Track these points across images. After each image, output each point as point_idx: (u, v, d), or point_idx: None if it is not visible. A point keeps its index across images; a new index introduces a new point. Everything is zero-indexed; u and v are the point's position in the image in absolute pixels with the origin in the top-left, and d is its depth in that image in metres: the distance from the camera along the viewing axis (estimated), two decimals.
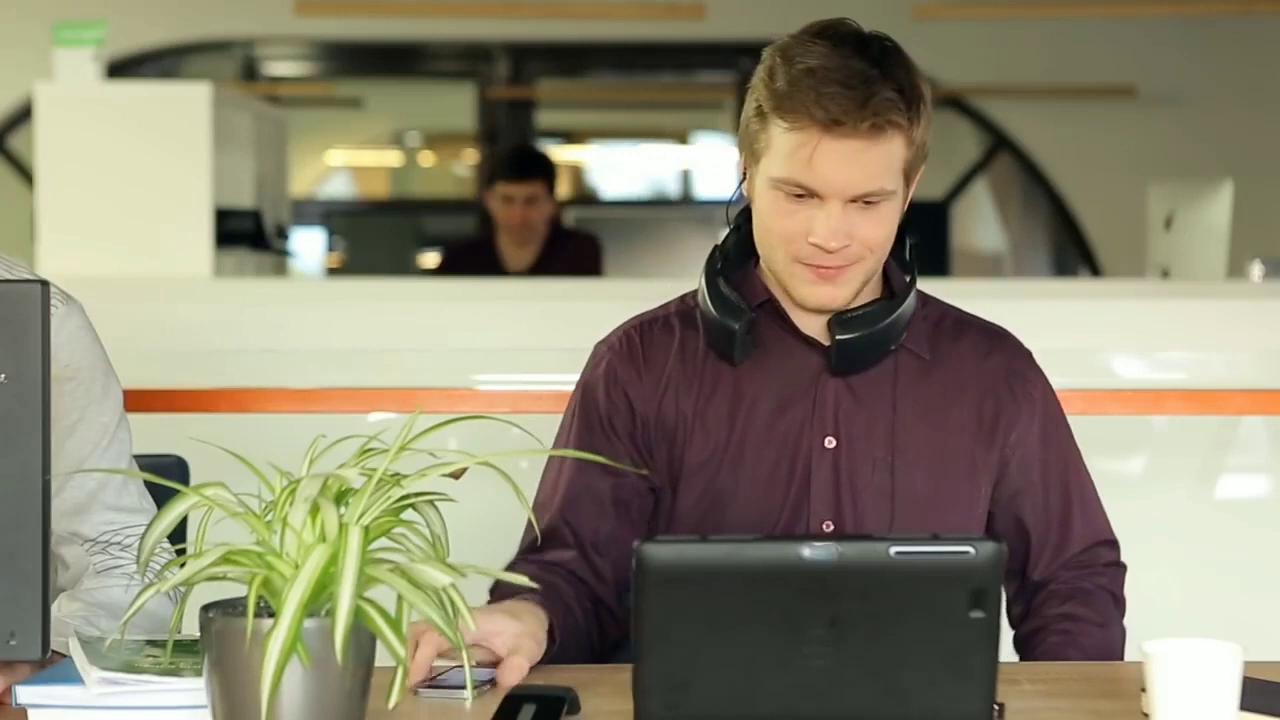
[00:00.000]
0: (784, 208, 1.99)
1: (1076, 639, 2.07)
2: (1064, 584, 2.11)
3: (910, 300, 2.05)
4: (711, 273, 2.07)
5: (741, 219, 2.11)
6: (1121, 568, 2.16)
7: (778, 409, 2.05)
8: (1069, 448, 2.14)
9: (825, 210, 1.96)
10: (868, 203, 1.97)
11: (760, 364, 2.07)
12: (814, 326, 2.06)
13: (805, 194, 1.97)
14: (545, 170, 5.27)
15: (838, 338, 2.02)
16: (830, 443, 2.04)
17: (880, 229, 1.99)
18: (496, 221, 5.28)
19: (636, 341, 2.11)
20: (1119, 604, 2.14)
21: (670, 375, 2.08)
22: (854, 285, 2.02)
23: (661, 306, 2.15)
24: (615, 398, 2.09)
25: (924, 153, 2.01)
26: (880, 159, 1.95)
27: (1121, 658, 2.10)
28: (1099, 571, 2.13)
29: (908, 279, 2.07)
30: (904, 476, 2.04)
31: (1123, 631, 2.13)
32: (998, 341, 2.12)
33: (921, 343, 2.08)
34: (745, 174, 2.06)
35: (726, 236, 2.12)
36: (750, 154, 2.03)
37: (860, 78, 1.93)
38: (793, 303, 2.06)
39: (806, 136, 1.94)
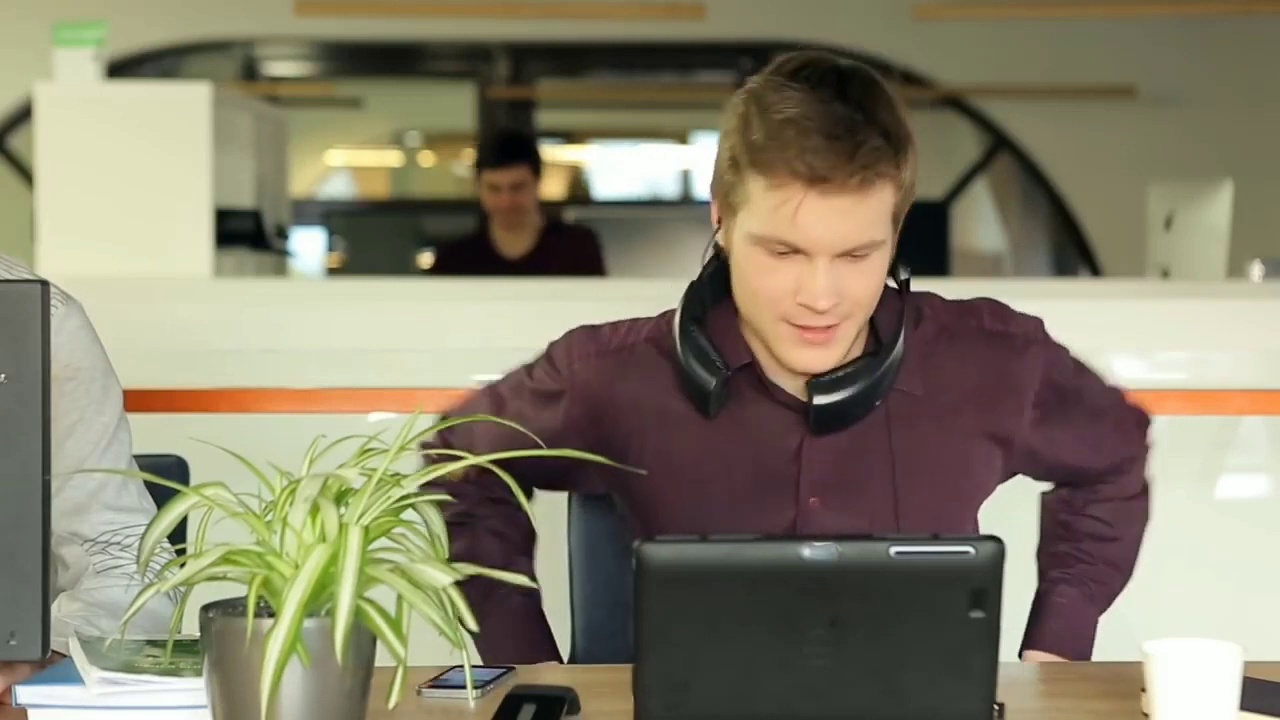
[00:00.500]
0: (766, 264, 1.86)
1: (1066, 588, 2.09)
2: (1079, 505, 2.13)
3: (896, 351, 1.92)
4: (687, 317, 1.94)
5: (716, 259, 1.97)
6: (1144, 450, 2.14)
7: (755, 470, 1.95)
8: (1074, 418, 2.05)
9: (812, 268, 1.83)
10: (856, 256, 1.84)
11: (736, 421, 1.95)
12: (794, 385, 1.94)
13: (789, 250, 1.84)
14: (529, 155, 5.32)
15: (815, 403, 1.90)
16: (814, 503, 1.95)
17: (870, 281, 1.87)
18: (487, 210, 5.32)
19: (597, 371, 1.99)
20: (1134, 495, 2.13)
21: (635, 418, 1.98)
22: (844, 345, 1.90)
23: (636, 330, 2.02)
24: (563, 430, 1.99)
25: (912, 193, 1.89)
26: (870, 211, 1.83)
27: (1136, 551, 2.13)
28: (1118, 471, 2.13)
29: (898, 321, 1.93)
30: (909, 518, 1.95)
31: (1143, 523, 2.13)
32: (994, 347, 1.99)
33: (913, 378, 1.95)
34: (720, 223, 1.93)
35: (704, 270, 1.99)
36: (725, 205, 1.89)
37: (845, 125, 1.80)
38: (775, 362, 1.94)
39: (789, 194, 1.81)
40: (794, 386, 1.95)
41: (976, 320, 2.01)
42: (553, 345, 2.05)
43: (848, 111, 1.81)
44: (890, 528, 1.95)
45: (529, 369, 2.06)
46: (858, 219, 1.82)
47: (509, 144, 5.49)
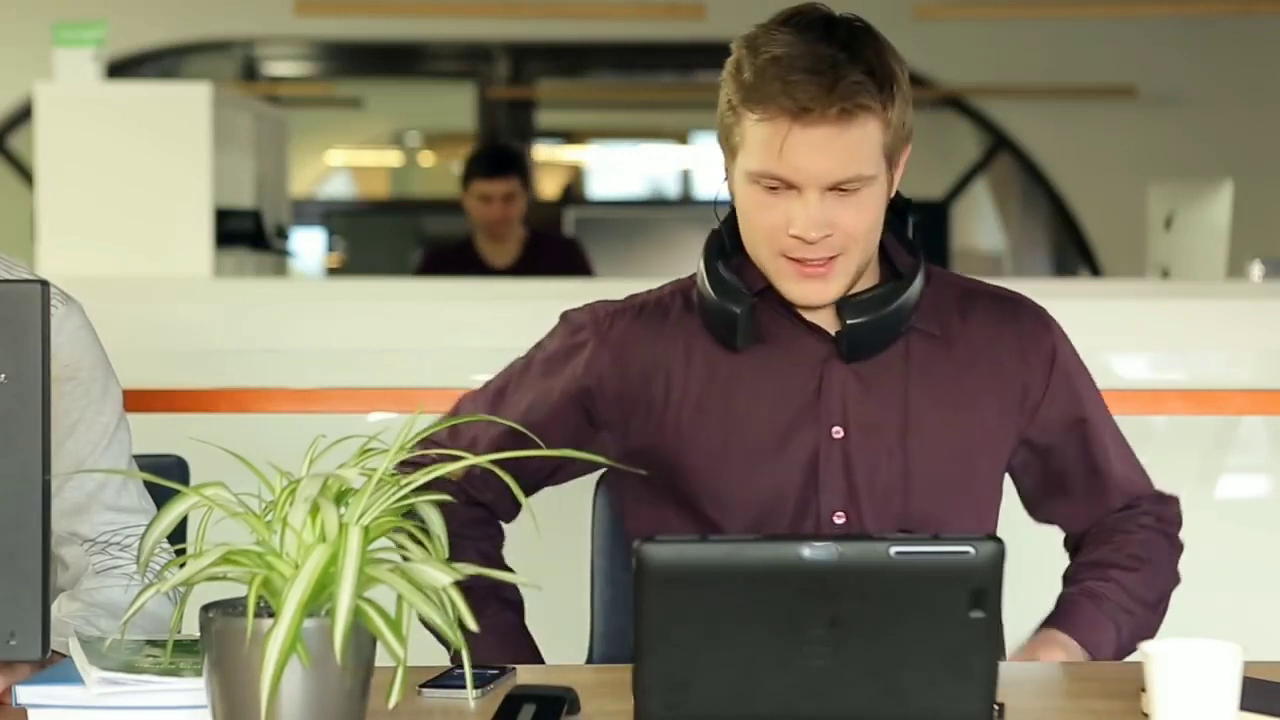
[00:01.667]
0: (762, 200, 1.95)
1: (1093, 591, 2.03)
2: (1105, 527, 2.10)
3: (918, 280, 2.00)
4: (711, 255, 2.03)
5: (732, 208, 2.06)
6: (1168, 505, 2.14)
7: (781, 399, 2.01)
8: (1088, 402, 2.09)
9: (803, 200, 1.92)
10: (846, 190, 1.92)
11: (762, 352, 2.02)
12: (819, 313, 2.01)
13: (781, 185, 1.93)
14: (519, 166, 5.37)
15: (848, 322, 1.97)
16: (838, 432, 2.00)
17: (863, 217, 1.94)
18: (474, 221, 5.33)
19: (625, 323, 2.06)
20: (1169, 543, 2.11)
21: (663, 360, 2.03)
22: (843, 279, 1.97)
23: (658, 288, 2.10)
24: (584, 378, 2.03)
25: (905, 134, 1.96)
26: (854, 144, 1.91)
27: (1161, 594, 2.07)
28: (1144, 512, 2.11)
29: (913, 259, 2.03)
30: (921, 461, 2.00)
31: (1170, 571, 2.10)
32: (1009, 308, 2.08)
33: (932, 320, 2.03)
34: (726, 170, 2.02)
35: (725, 220, 2.07)
36: (728, 149, 1.99)
37: (827, 62, 1.89)
38: None
39: (776, 127, 1.90)
40: (817, 314, 2.01)
41: (983, 287, 2.11)
42: (569, 312, 2.11)
43: (831, 51, 1.90)
44: (903, 466, 2.00)
45: (536, 346, 2.11)
46: (842, 151, 1.91)
47: (500, 155, 5.52)
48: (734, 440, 2.01)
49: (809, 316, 2.02)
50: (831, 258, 1.95)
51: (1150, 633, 2.05)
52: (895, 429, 2.00)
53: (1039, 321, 2.08)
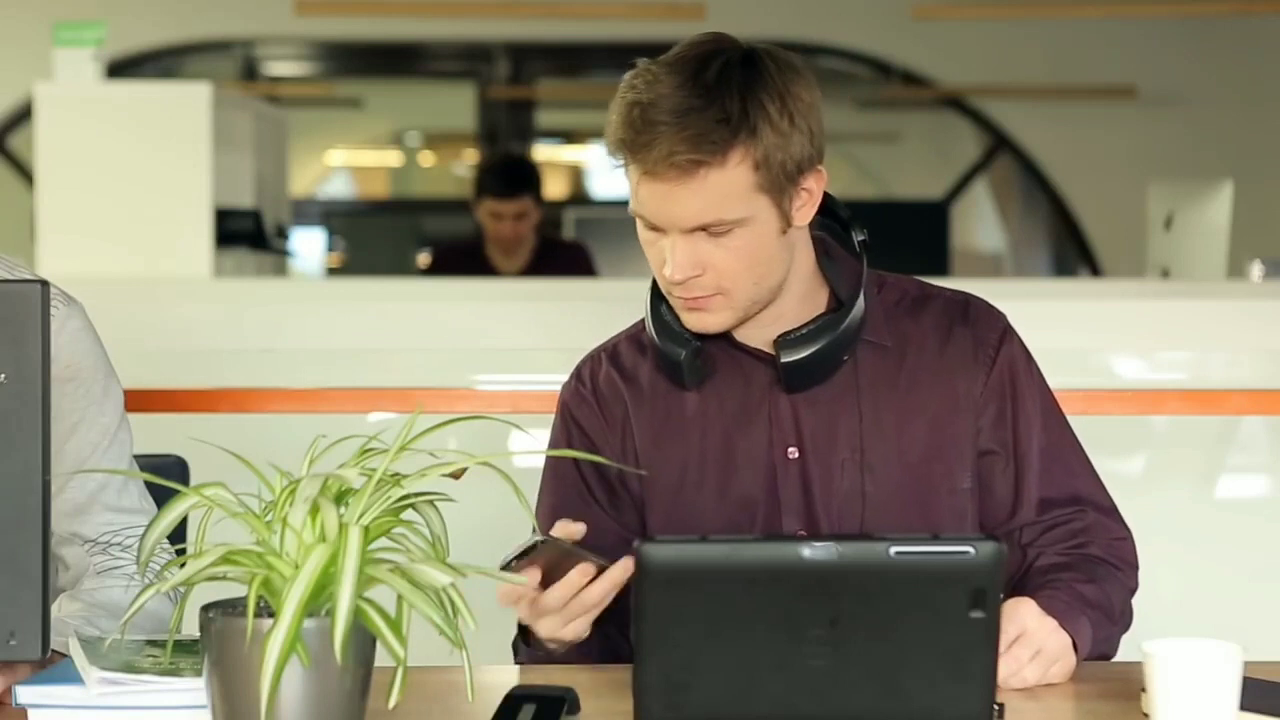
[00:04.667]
0: (646, 237, 1.93)
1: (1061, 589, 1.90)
2: (1052, 556, 1.98)
3: (859, 304, 1.96)
4: (655, 298, 2.01)
5: None
6: (1123, 542, 2.01)
7: (735, 426, 1.99)
8: (1026, 408, 2.00)
9: (669, 242, 1.90)
10: (714, 233, 1.88)
11: (712, 384, 2.01)
12: (761, 340, 1.99)
13: (653, 225, 1.91)
14: (532, 184, 5.30)
15: (782, 361, 1.95)
16: (793, 453, 1.98)
17: (736, 258, 1.90)
18: (486, 233, 5.32)
19: (586, 379, 2.07)
20: (1120, 569, 1.98)
21: (624, 408, 2.04)
22: (728, 313, 1.94)
23: (613, 337, 2.10)
24: (580, 445, 2.05)
25: (797, 164, 1.89)
26: (703, 193, 1.86)
27: (1121, 607, 1.96)
28: (1091, 541, 1.99)
29: (857, 275, 1.98)
30: (879, 474, 1.97)
31: (1122, 588, 1.96)
32: (960, 312, 2.03)
33: (880, 330, 2.00)
34: None
35: None
36: None
37: (677, 113, 1.85)
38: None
39: (633, 174, 1.90)
40: (760, 341, 1.99)
41: (939, 292, 2.06)
42: (561, 391, 2.11)
43: (685, 97, 1.86)
44: (858, 481, 1.97)
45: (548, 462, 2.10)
46: (691, 199, 1.86)
47: (514, 175, 5.38)
48: (694, 472, 2.01)
49: (752, 344, 2.00)
50: (705, 296, 1.92)
51: (1112, 640, 1.95)
52: (850, 444, 1.98)
53: (992, 328, 2.03)
